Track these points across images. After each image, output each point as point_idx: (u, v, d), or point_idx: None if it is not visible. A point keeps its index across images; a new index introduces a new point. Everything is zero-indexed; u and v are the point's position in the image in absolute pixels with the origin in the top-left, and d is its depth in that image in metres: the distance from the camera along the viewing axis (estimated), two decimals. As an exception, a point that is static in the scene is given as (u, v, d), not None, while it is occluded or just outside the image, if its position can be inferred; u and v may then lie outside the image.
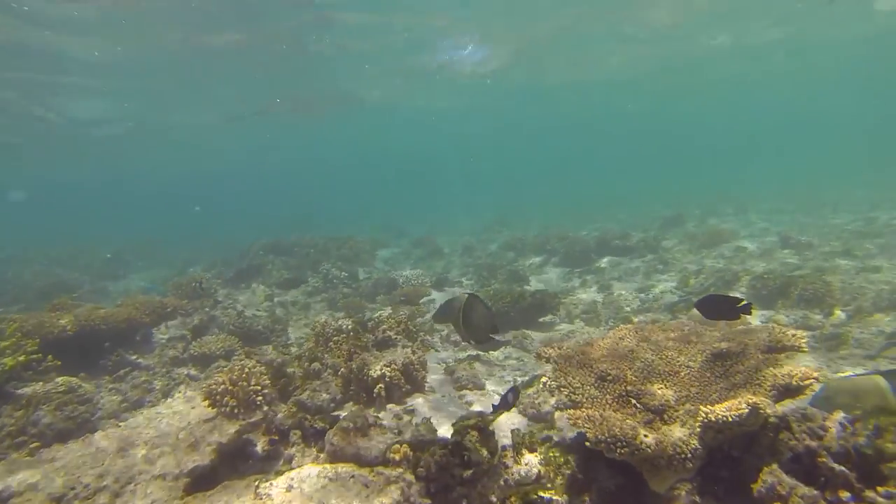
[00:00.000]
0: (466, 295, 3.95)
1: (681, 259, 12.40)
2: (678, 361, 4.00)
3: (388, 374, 5.79)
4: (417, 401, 5.81)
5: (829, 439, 2.86)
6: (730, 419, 2.99)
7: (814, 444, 2.95)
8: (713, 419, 3.08)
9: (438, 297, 11.47)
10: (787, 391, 3.28)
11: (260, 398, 4.20)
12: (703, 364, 3.89)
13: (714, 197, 25.84)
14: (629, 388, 3.75)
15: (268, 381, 4.37)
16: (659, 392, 3.70)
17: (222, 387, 4.17)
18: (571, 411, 3.58)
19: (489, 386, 6.30)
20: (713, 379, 3.74)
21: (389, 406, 5.71)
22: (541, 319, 8.93)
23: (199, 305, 10.13)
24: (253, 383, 4.23)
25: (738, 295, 8.62)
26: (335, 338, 6.77)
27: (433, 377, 6.67)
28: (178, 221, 39.89)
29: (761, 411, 3.04)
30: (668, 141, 70.74)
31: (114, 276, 17.46)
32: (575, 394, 3.72)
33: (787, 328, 3.81)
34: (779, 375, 3.32)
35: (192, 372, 7.06)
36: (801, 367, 3.32)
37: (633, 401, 3.70)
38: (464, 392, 6.13)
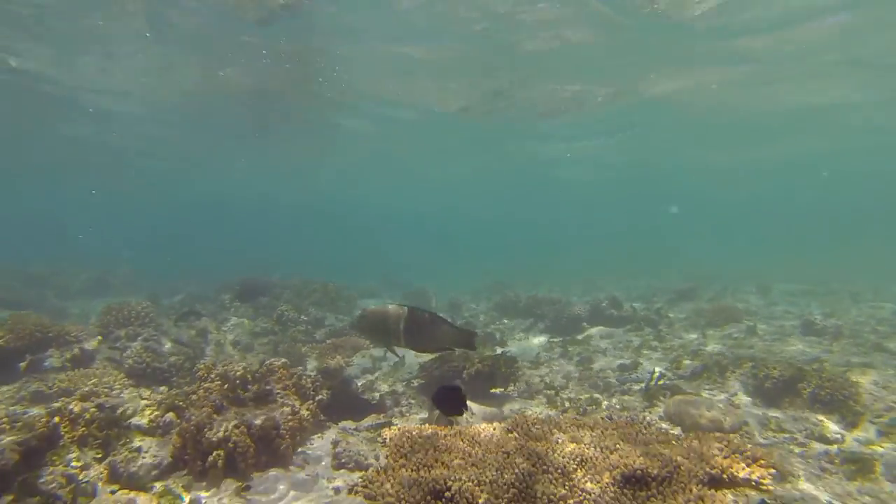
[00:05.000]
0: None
1: (682, 336, 10.66)
2: (573, 481, 2.52)
3: (234, 437, 4.42)
4: (268, 479, 4.35)
5: None
6: None
7: None
8: None
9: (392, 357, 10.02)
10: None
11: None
12: (608, 490, 2.40)
13: (740, 272, 23.78)
14: (475, 516, 2.30)
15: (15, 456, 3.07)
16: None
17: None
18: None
19: (380, 471, 4.77)
20: (614, 519, 2.24)
21: (226, 482, 4.28)
22: (493, 391, 7.38)
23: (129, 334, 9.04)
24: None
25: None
26: (207, 385, 5.47)
27: (319, 447, 5.20)
28: (189, 250, 40.09)
29: None
30: (697, 209, 67.41)
31: (87, 297, 16.80)
32: (382, 516, 2.29)
33: (750, 449, 2.31)
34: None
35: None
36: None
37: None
38: (341, 472, 4.63)
